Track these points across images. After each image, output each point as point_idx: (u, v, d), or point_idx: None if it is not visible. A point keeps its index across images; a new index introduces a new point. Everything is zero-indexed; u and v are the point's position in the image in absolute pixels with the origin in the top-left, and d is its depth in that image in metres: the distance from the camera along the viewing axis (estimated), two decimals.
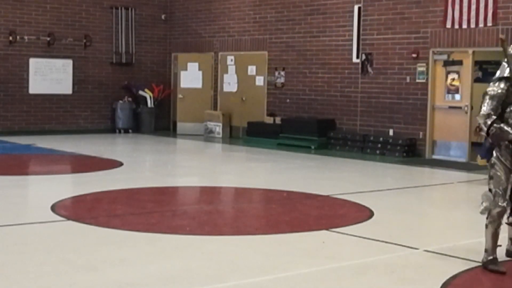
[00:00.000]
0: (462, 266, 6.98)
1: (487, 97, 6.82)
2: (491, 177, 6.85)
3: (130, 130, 22.47)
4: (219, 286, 6.22)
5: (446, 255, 7.51)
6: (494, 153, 6.83)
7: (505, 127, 6.73)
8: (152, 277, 6.44)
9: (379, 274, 6.78)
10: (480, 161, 11.96)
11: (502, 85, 6.84)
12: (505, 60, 6.96)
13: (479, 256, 7.00)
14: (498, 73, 6.98)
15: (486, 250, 6.87)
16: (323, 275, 6.70)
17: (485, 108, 6.77)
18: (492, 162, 6.83)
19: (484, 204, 6.85)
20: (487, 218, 6.86)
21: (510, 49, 7.03)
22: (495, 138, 6.76)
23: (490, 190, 6.85)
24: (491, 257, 6.81)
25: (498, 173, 6.79)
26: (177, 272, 6.65)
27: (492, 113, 6.75)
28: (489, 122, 6.74)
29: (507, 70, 6.88)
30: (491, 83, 6.93)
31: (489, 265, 6.78)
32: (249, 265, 6.98)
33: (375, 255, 7.55)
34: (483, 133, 6.87)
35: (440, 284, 6.35)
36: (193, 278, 6.45)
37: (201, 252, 7.50)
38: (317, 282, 6.48)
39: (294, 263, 7.09)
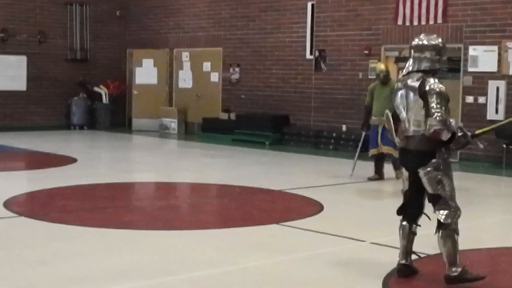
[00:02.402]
0: None
1: (437, 96, 6.09)
2: (439, 182, 6.14)
3: (85, 127, 22.43)
4: (169, 279, 6.34)
5: (392, 247, 7.68)
6: (438, 155, 6.15)
7: (465, 131, 6.24)
8: (103, 272, 6.55)
9: (325, 266, 6.94)
10: (388, 148, 12.26)
11: (439, 81, 6.22)
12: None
13: (423, 248, 7.14)
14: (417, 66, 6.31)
15: (452, 264, 6.16)
16: (271, 267, 6.86)
17: (442, 111, 6.02)
18: (437, 164, 6.14)
19: (444, 213, 6.15)
20: (446, 228, 6.16)
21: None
22: (459, 144, 6.25)
23: (437, 195, 6.16)
24: (460, 268, 6.16)
25: (447, 176, 6.17)
26: (128, 266, 6.76)
27: (447, 115, 6.10)
28: (453, 125, 6.14)
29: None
30: (432, 79, 6.19)
31: (466, 276, 6.14)
32: (199, 259, 7.11)
33: (322, 247, 7.73)
34: (445, 138, 6.06)
35: (384, 275, 6.53)
36: (143, 272, 6.56)
37: (152, 247, 7.61)
38: (265, 274, 6.63)
39: (244, 256, 7.24)
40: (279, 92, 19.44)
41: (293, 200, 10.82)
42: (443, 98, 6.10)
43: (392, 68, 17.15)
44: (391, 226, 9.05)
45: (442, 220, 6.15)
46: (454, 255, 6.15)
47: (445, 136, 6.06)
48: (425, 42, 6.33)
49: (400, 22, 16.80)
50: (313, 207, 10.02)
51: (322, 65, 18.37)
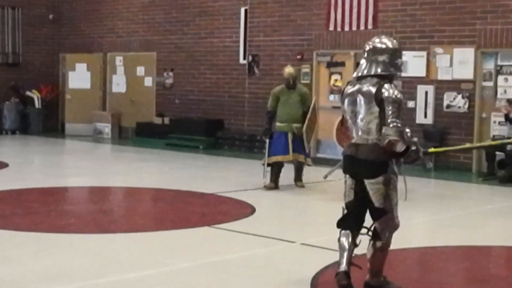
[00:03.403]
0: (336, 257, 7.26)
1: (394, 104, 5.72)
2: (387, 196, 5.84)
3: (17, 131, 22.15)
4: (100, 282, 6.38)
5: (321, 247, 7.87)
6: (389, 168, 5.83)
7: (418, 146, 5.95)
8: (35, 275, 6.56)
9: (256, 267, 7.07)
10: (306, 159, 12.24)
11: (396, 87, 5.87)
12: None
13: None
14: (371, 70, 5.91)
15: (376, 274, 6.10)
16: (202, 269, 6.95)
17: (399, 120, 5.67)
18: (387, 178, 5.83)
19: (386, 227, 5.94)
20: (381, 241, 5.99)
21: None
22: (409, 159, 5.93)
23: (382, 209, 5.88)
24: (382, 278, 6.15)
25: (395, 190, 5.90)
26: (59, 270, 6.77)
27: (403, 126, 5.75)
28: (410, 137, 5.83)
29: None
30: (388, 85, 5.80)
31: (390, 286, 6.13)
32: (131, 261, 7.16)
33: (253, 249, 7.86)
34: (399, 150, 5.72)
35: (313, 274, 6.68)
36: (75, 275, 6.59)
37: (85, 250, 7.64)
38: (195, 275, 6.73)
39: (176, 258, 7.32)
40: (213, 96, 19.54)
41: (225, 203, 10.92)
42: (400, 106, 5.74)
43: (324, 73, 17.44)
44: (321, 228, 9.28)
45: (380, 234, 5.94)
46: (381, 266, 6.06)
47: (400, 147, 5.69)
48: (381, 45, 5.94)
49: (332, 28, 17.05)
50: (245, 210, 10.14)
51: (256, 70, 18.53)
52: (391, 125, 5.63)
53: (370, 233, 6.04)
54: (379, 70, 5.87)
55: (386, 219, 5.91)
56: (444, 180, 13.79)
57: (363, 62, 5.98)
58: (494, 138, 14.37)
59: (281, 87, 12.37)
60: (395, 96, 5.73)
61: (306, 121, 12.09)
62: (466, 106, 15.22)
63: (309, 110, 12.23)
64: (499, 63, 15.00)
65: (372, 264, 6.06)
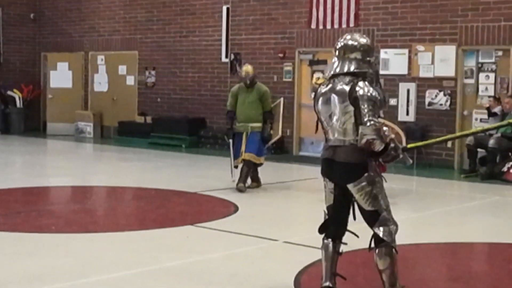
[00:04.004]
0: (319, 256, 7.24)
1: (369, 102, 5.45)
2: (375, 197, 5.57)
3: None
4: (82, 282, 6.35)
5: (304, 245, 7.87)
6: (370, 167, 5.57)
7: (397, 143, 5.63)
8: (16, 276, 6.51)
9: (239, 265, 7.06)
10: (250, 155, 11.67)
11: (371, 85, 5.59)
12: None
13: None
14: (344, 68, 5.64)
15: (393, 284, 5.69)
16: (185, 268, 6.94)
17: (375, 119, 5.41)
18: (371, 178, 5.57)
19: (386, 229, 5.60)
20: (386, 246, 5.63)
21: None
22: (388, 157, 5.61)
23: (375, 211, 5.60)
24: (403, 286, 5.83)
25: (382, 189, 5.63)
26: (41, 270, 6.73)
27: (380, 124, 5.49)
28: (387, 135, 5.50)
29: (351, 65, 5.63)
30: (363, 83, 5.53)
31: None
32: (113, 261, 7.14)
33: (236, 247, 7.85)
34: (378, 149, 5.45)
35: (296, 272, 6.68)
36: (57, 275, 6.56)
37: (67, 250, 7.61)
38: (179, 274, 6.71)
39: (158, 258, 7.29)
40: (195, 95, 19.51)
41: (208, 202, 10.91)
42: (376, 104, 5.46)
43: (306, 71, 17.46)
44: (304, 226, 9.30)
45: (384, 238, 5.58)
46: (395, 274, 5.66)
47: (379, 146, 5.42)
48: (352, 42, 5.64)
49: (313, 26, 17.08)
50: (228, 208, 10.13)
51: (238, 68, 18.50)
52: (368, 124, 5.36)
53: (372, 244, 5.67)
54: (352, 68, 5.59)
55: (383, 220, 5.60)
56: (426, 178, 13.84)
57: (334, 60, 5.72)
58: (475, 135, 14.43)
59: (240, 86, 12.04)
60: (370, 93, 5.46)
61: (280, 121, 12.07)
62: (448, 103, 15.28)
63: (279, 109, 12.15)
64: (480, 60, 15.06)
65: (385, 275, 5.65)
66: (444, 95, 15.31)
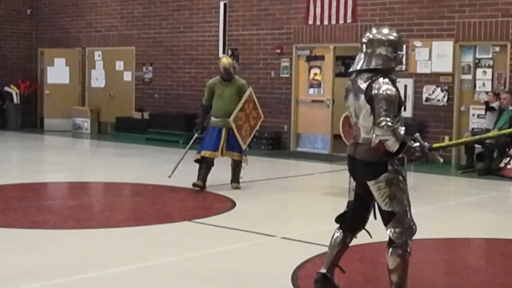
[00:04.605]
0: (316, 251, 7.31)
1: (384, 101, 5.29)
2: (392, 197, 5.43)
3: None
4: (79, 278, 6.34)
5: (301, 241, 7.88)
6: (390, 167, 5.42)
7: (413, 143, 5.41)
8: (13, 272, 6.50)
9: (236, 261, 7.07)
10: (232, 153, 11.28)
11: (390, 83, 5.41)
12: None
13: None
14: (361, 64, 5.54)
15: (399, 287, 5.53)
16: (182, 263, 6.94)
17: (389, 118, 5.24)
18: (390, 178, 5.42)
19: (397, 231, 5.47)
20: (397, 247, 5.49)
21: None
22: (413, 156, 5.39)
23: (391, 212, 5.47)
24: None
25: (402, 190, 5.47)
26: (39, 266, 6.73)
27: (396, 123, 5.29)
28: (402, 134, 5.30)
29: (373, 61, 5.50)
30: (381, 80, 5.39)
31: None
32: (111, 257, 7.14)
33: (234, 243, 7.85)
34: (392, 149, 5.28)
35: (293, 268, 6.67)
36: (54, 271, 6.55)
37: (64, 246, 7.60)
38: (176, 270, 6.71)
39: (155, 253, 7.29)
40: (192, 91, 19.49)
41: (205, 197, 10.90)
42: (392, 103, 5.28)
43: (303, 67, 17.44)
44: (301, 222, 9.30)
45: (393, 239, 5.45)
46: (403, 278, 5.48)
47: (393, 146, 5.24)
48: (379, 36, 5.50)
49: (311, 22, 17.07)
50: (225, 204, 10.13)
51: (235, 64, 18.45)
52: (380, 124, 5.22)
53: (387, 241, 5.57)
54: (374, 64, 5.45)
55: (397, 221, 5.45)
56: (423, 173, 13.83)
57: (359, 55, 5.58)
58: (473, 131, 14.46)
59: (216, 79, 11.51)
60: (385, 92, 5.29)
61: (235, 112, 11.24)
62: (445, 99, 15.28)
63: (241, 100, 11.36)
64: (478, 56, 15.06)
65: (392, 276, 5.50)
66: (442, 90, 15.31)
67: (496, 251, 8.14)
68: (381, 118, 5.24)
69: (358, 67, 5.53)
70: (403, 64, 5.37)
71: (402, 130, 5.30)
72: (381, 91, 5.30)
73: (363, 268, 6.92)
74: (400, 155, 5.36)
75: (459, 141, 6.38)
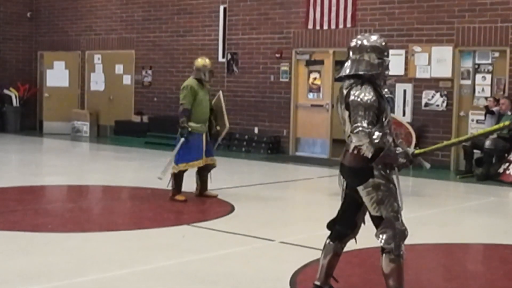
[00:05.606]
0: (314, 256, 7.28)
1: (360, 107, 5.26)
2: (380, 202, 5.42)
3: None
4: (77, 281, 6.35)
5: (300, 245, 7.88)
6: (376, 172, 5.40)
7: (394, 149, 5.42)
8: (12, 274, 6.50)
9: (234, 265, 7.06)
10: (212, 158, 10.86)
11: (369, 89, 5.36)
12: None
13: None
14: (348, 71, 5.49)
15: None
16: (181, 267, 6.93)
17: (364, 124, 5.20)
18: (376, 183, 5.41)
19: (384, 237, 5.45)
20: (388, 253, 5.47)
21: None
22: (400, 163, 5.42)
23: (379, 217, 5.46)
24: None
25: (390, 195, 5.46)
26: (37, 268, 6.73)
27: (373, 128, 5.25)
28: (377, 141, 5.20)
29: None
30: (359, 87, 5.37)
31: None
32: (109, 260, 7.13)
33: (232, 247, 7.85)
34: (367, 155, 5.28)
35: (292, 272, 6.67)
36: (53, 274, 6.55)
37: (61, 249, 7.60)
38: (174, 274, 6.71)
39: (154, 257, 7.29)
40: None
41: (204, 201, 10.89)
42: (368, 109, 5.24)
43: (302, 71, 17.45)
44: (300, 226, 9.30)
45: (382, 245, 5.44)
46: (399, 282, 5.47)
47: (368, 151, 5.25)
48: (364, 43, 5.47)
49: (310, 26, 17.09)
50: (224, 208, 10.13)
51: (234, 68, 18.52)
52: (354, 131, 5.21)
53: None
54: (359, 70, 5.42)
55: (385, 226, 5.43)
56: (422, 178, 13.84)
57: (347, 61, 5.54)
58: None
59: (194, 82, 10.74)
60: (360, 98, 5.27)
61: (226, 117, 11.06)
62: (444, 104, 15.29)
63: (222, 105, 11.09)
64: (477, 61, 15.08)
65: (388, 281, 5.48)
66: (441, 96, 15.33)
67: (494, 256, 8.14)
68: (356, 124, 5.23)
69: (343, 74, 5.51)
70: (389, 70, 5.24)
71: (376, 134, 5.22)
72: (355, 98, 5.30)
73: (361, 272, 6.92)
74: (384, 161, 5.34)
75: (441, 144, 6.30)
